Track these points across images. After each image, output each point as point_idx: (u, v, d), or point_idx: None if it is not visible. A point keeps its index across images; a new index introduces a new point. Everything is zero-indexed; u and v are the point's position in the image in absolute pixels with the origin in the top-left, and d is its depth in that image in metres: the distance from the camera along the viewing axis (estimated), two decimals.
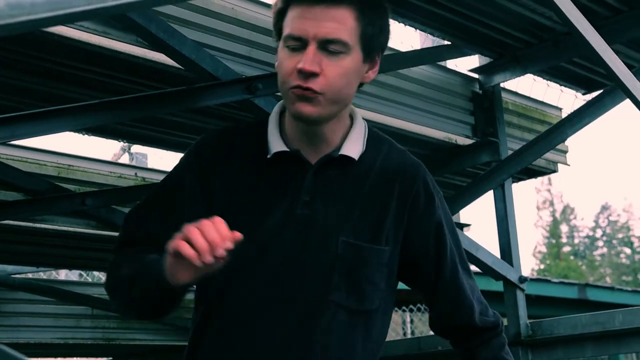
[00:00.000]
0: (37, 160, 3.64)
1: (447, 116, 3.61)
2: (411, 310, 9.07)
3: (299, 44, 1.52)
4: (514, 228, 3.48)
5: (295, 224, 1.61)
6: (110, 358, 5.20)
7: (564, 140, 3.90)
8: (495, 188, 3.52)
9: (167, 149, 3.85)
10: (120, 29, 2.60)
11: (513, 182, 3.88)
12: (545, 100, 4.18)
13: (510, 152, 3.59)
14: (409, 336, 8.62)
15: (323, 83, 1.52)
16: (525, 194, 63.02)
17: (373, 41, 1.58)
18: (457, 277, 1.77)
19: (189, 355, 1.68)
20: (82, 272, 6.89)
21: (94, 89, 2.92)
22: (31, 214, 3.60)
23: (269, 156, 1.64)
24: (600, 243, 47.45)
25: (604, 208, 48.04)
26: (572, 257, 44.41)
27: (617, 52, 3.39)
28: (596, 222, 47.68)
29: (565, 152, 4.26)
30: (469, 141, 3.73)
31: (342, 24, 1.51)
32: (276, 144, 1.64)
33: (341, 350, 1.62)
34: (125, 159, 5.92)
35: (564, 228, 46.63)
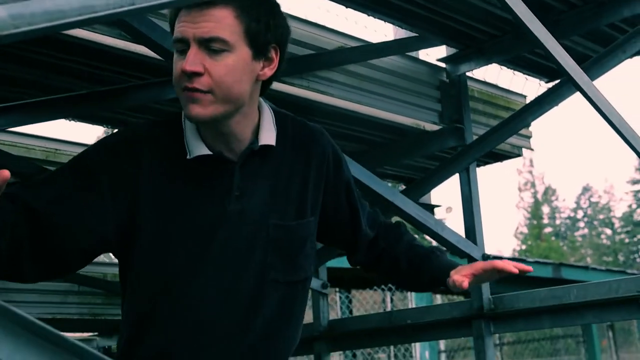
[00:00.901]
0: (26, 144, 3.72)
1: (415, 104, 3.74)
2: (390, 289, 9.24)
3: (183, 46, 1.54)
4: (477, 208, 3.60)
5: (228, 220, 1.62)
6: (96, 333, 5.31)
7: (526, 126, 4.08)
8: (460, 171, 3.63)
9: None
10: (106, 24, 2.69)
11: (479, 165, 4.06)
12: (511, 89, 4.29)
13: (475, 138, 3.71)
14: None
15: (208, 82, 1.53)
16: (506, 175, 63.20)
17: (259, 37, 1.57)
18: (365, 224, 1.89)
19: (125, 354, 1.67)
20: None
21: (83, 79, 3.02)
22: None
23: (189, 157, 1.62)
24: (582, 224, 47.77)
25: (585, 189, 48.33)
26: (553, 238, 44.68)
27: (576, 43, 3.60)
28: (577, 203, 47.99)
29: (529, 137, 4.39)
30: (436, 127, 3.84)
31: (220, 23, 1.52)
32: (196, 147, 1.63)
33: (283, 319, 1.70)
34: None
35: (545, 209, 46.91)
